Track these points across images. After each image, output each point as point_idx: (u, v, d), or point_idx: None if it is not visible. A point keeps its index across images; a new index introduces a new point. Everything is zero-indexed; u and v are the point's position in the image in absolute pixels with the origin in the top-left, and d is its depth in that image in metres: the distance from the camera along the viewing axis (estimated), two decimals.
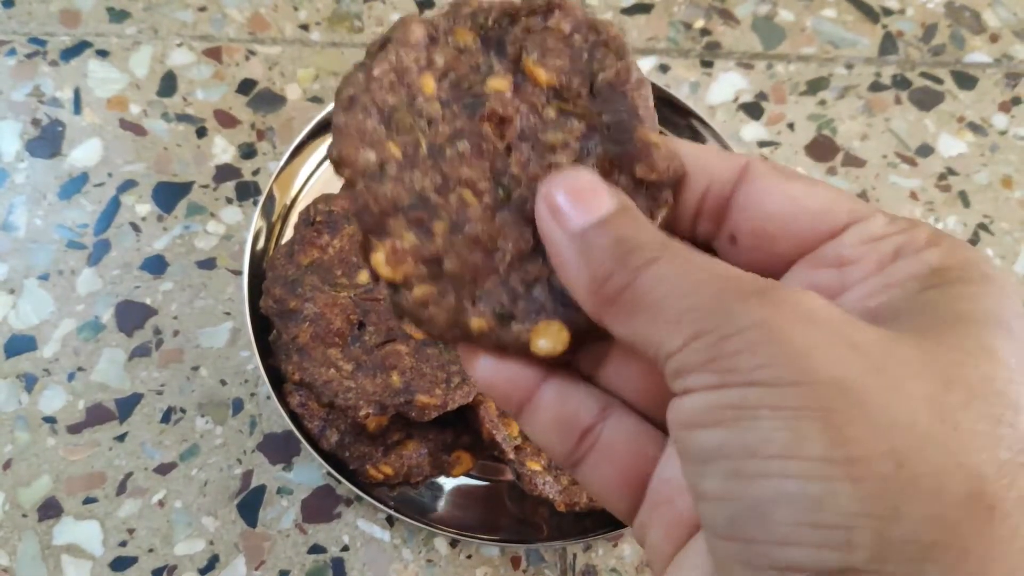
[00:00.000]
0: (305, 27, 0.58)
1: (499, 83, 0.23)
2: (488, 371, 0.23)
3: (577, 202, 0.21)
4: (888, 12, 0.60)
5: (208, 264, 0.50)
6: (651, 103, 0.24)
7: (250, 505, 0.45)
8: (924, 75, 0.58)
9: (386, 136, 0.22)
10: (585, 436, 0.23)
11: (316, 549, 0.44)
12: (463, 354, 0.23)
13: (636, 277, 0.19)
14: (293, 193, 0.50)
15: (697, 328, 0.18)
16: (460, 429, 0.45)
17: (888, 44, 0.59)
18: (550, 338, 0.22)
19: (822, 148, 0.56)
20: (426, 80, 0.23)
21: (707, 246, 0.23)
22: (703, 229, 0.23)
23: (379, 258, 0.22)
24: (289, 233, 0.48)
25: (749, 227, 0.22)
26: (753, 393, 0.17)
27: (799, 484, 0.16)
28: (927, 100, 0.58)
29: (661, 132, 0.23)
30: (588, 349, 0.23)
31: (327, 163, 0.51)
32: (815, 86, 0.58)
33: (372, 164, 0.22)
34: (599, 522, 0.43)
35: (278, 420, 0.47)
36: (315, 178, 0.51)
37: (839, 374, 0.16)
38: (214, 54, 0.56)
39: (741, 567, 0.17)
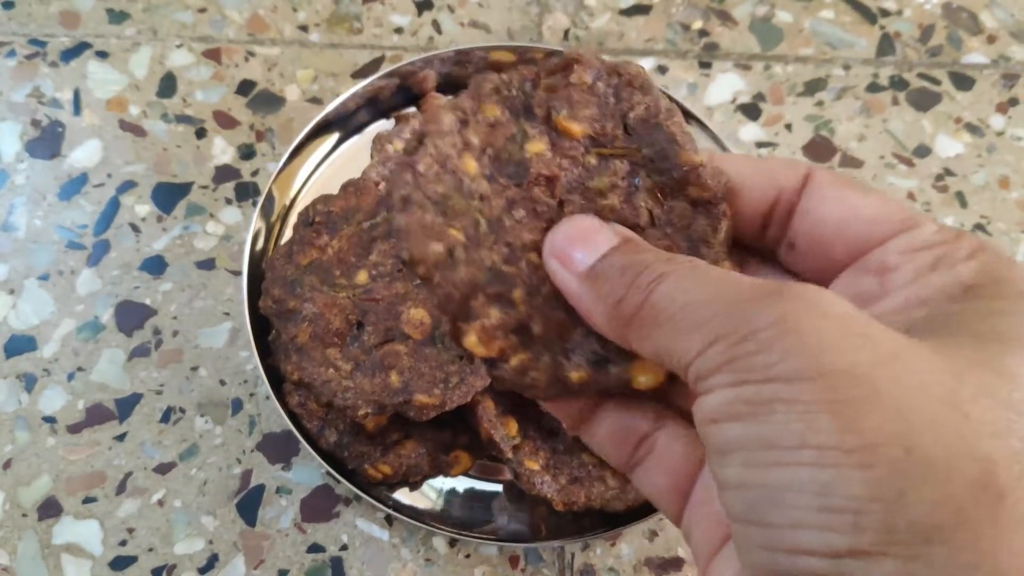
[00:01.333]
0: (304, 28, 0.58)
1: (537, 146, 0.24)
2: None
3: (580, 245, 0.22)
4: (886, 13, 0.61)
5: (207, 264, 0.50)
6: (685, 127, 0.24)
7: (249, 504, 0.45)
8: (921, 76, 0.59)
9: (446, 224, 0.23)
10: (641, 444, 0.24)
11: (315, 548, 0.44)
12: None
13: (649, 294, 0.20)
14: (292, 194, 0.50)
15: (715, 334, 0.18)
16: (458, 429, 0.45)
17: (886, 45, 0.60)
18: (648, 372, 0.23)
19: (820, 149, 0.56)
20: (468, 162, 0.23)
21: (771, 255, 0.25)
22: (771, 235, 0.24)
23: (472, 340, 0.22)
24: (288, 234, 0.48)
25: (807, 233, 0.23)
26: (769, 388, 0.17)
27: (810, 471, 0.17)
28: (924, 101, 0.58)
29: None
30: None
31: (326, 164, 0.51)
32: (813, 87, 0.58)
33: (442, 254, 0.22)
34: (597, 521, 0.43)
35: (277, 420, 0.47)
36: (314, 179, 0.51)
37: (849, 364, 0.17)
38: (213, 55, 0.57)
39: (759, 550, 0.18)
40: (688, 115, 0.51)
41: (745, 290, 0.19)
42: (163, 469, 0.46)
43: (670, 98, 0.51)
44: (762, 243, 0.24)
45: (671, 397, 0.25)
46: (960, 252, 0.20)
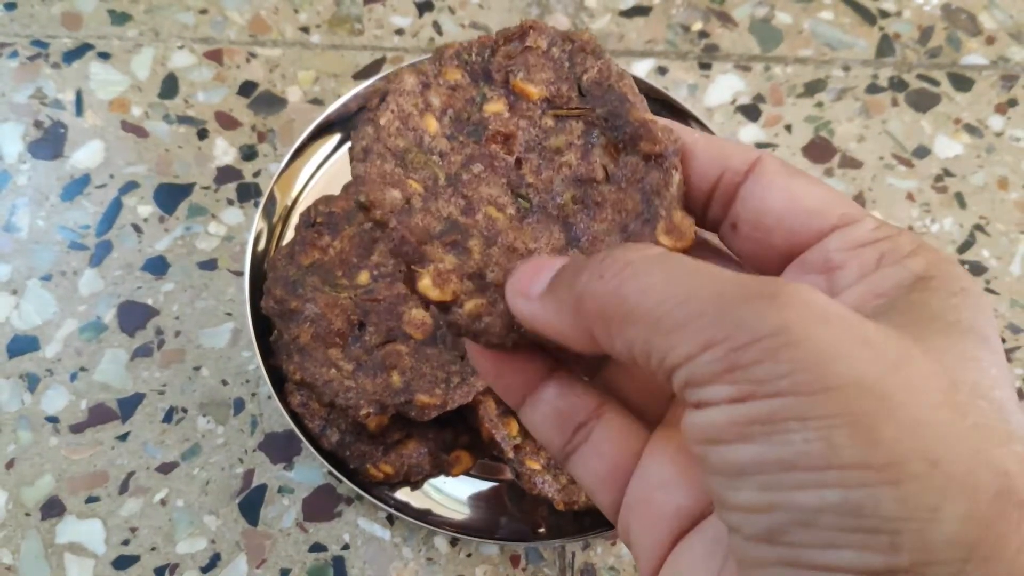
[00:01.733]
0: (305, 30, 0.58)
1: (495, 106, 0.25)
2: (497, 364, 0.24)
3: (535, 275, 0.22)
4: (885, 14, 0.61)
5: (209, 265, 0.51)
6: (636, 89, 0.25)
7: (251, 504, 0.45)
8: (921, 77, 0.59)
9: (405, 175, 0.24)
10: (579, 430, 0.24)
11: (317, 548, 0.45)
12: (471, 349, 0.24)
13: (618, 286, 0.19)
14: (294, 194, 0.51)
15: (707, 336, 0.18)
16: (460, 428, 0.45)
17: (885, 46, 0.60)
18: None
19: (819, 150, 0.56)
20: (428, 121, 0.25)
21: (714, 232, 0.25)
22: (712, 214, 0.24)
23: (426, 283, 0.23)
24: (290, 234, 0.48)
25: (749, 217, 0.23)
26: (780, 405, 0.17)
27: (840, 493, 0.16)
28: (924, 102, 0.58)
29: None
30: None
31: (328, 165, 0.52)
32: (812, 88, 0.58)
33: (399, 201, 0.23)
34: (598, 521, 0.43)
35: (279, 420, 0.47)
36: (316, 180, 0.51)
37: (860, 375, 0.17)
38: (215, 56, 0.57)
39: (779, 568, 0.17)
40: (688, 116, 0.52)
41: (732, 287, 0.18)
42: (165, 469, 0.46)
43: (669, 100, 0.51)
44: (704, 221, 0.24)
45: (610, 379, 0.25)
46: (903, 248, 0.21)
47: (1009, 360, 0.51)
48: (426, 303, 0.23)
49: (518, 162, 0.25)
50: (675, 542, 0.22)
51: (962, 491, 0.16)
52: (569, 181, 0.25)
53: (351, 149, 0.24)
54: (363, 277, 0.45)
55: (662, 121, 0.24)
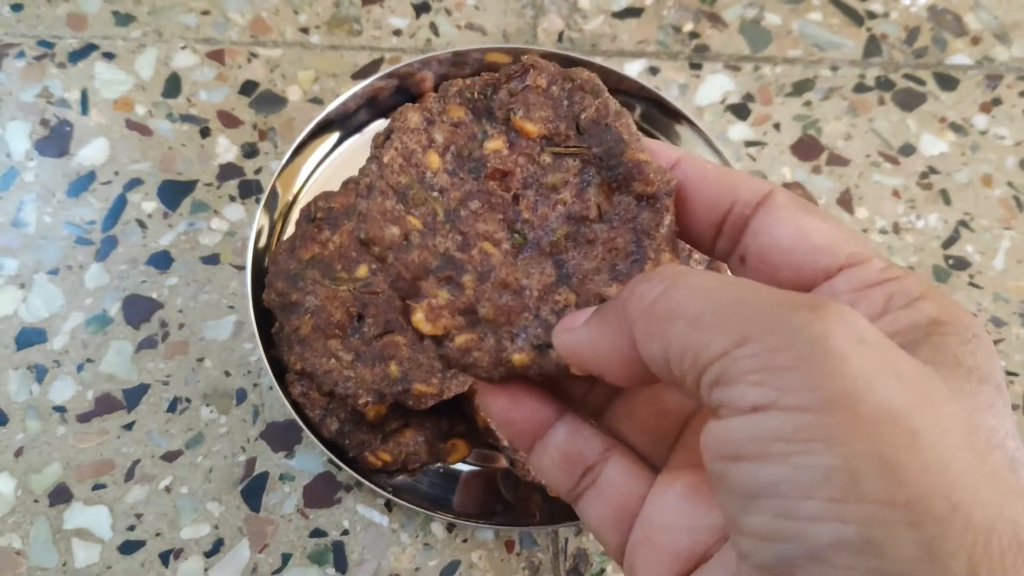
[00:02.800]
0: (305, 30, 0.59)
1: (495, 144, 0.26)
2: (507, 409, 0.25)
3: (580, 315, 0.23)
4: (872, 15, 0.62)
5: (212, 260, 0.52)
6: (633, 128, 0.26)
7: (253, 491, 0.47)
8: (907, 77, 0.60)
9: (405, 212, 0.25)
10: (587, 473, 0.25)
11: (317, 533, 0.46)
12: (482, 394, 0.25)
13: (666, 289, 0.19)
14: (294, 191, 0.52)
15: (744, 333, 0.17)
16: (456, 417, 0.46)
17: (872, 47, 0.61)
18: None
19: (807, 148, 0.58)
20: (431, 157, 0.26)
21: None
22: (721, 245, 0.24)
23: (419, 318, 0.24)
24: (291, 229, 0.49)
25: (757, 251, 0.23)
26: (806, 422, 0.16)
27: (859, 530, 0.16)
28: (910, 101, 0.59)
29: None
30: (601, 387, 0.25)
31: (327, 162, 0.53)
32: (800, 88, 0.59)
33: (397, 237, 0.24)
34: None
35: (280, 409, 0.48)
36: (316, 176, 0.52)
37: (892, 407, 0.16)
38: (217, 56, 0.58)
39: None
40: (679, 115, 0.53)
41: (777, 297, 0.18)
42: (170, 457, 0.47)
43: (660, 99, 0.53)
44: (713, 251, 0.25)
45: (616, 423, 0.26)
46: (912, 290, 0.21)
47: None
48: (419, 336, 0.24)
49: (515, 198, 0.26)
50: None
51: (980, 539, 0.16)
52: (563, 218, 0.25)
53: (356, 184, 0.25)
54: (362, 270, 0.47)
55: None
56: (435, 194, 0.25)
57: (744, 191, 0.23)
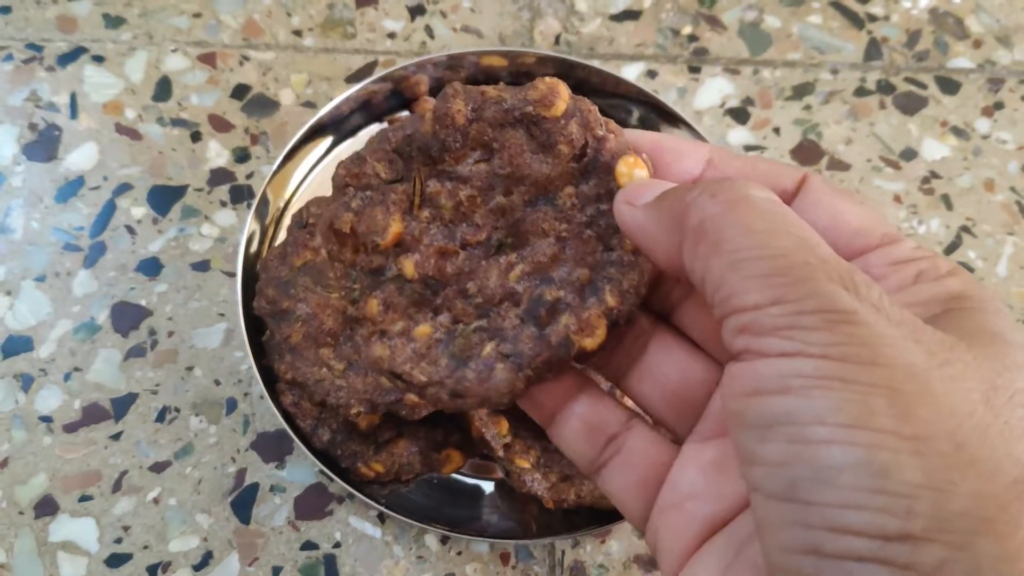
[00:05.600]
0: (298, 33, 0.59)
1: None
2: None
3: (646, 189, 0.23)
4: (873, 18, 0.61)
5: (202, 266, 0.51)
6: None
7: (243, 502, 0.46)
8: (908, 80, 0.59)
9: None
10: (609, 443, 0.25)
11: (308, 546, 0.45)
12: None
13: (724, 210, 0.20)
14: (286, 196, 0.51)
15: (779, 294, 0.18)
16: (450, 427, 0.45)
17: (873, 50, 0.60)
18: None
19: (807, 152, 0.57)
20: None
21: None
22: None
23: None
24: (282, 236, 0.49)
25: None
26: (827, 365, 0.17)
27: (867, 452, 0.17)
28: (911, 105, 0.59)
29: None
30: (612, 358, 0.26)
31: (319, 167, 0.52)
32: (801, 91, 0.59)
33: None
34: (587, 519, 0.44)
35: (271, 419, 0.47)
36: (308, 182, 0.52)
37: (908, 363, 0.18)
38: (208, 59, 0.57)
39: (795, 528, 0.18)
40: (678, 119, 0.52)
41: (819, 262, 0.19)
42: (158, 468, 0.46)
43: (659, 103, 0.52)
44: None
45: (637, 391, 0.26)
46: (941, 268, 0.22)
47: None
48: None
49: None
50: (699, 546, 0.23)
51: (981, 473, 0.17)
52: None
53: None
54: None
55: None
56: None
57: (783, 178, 0.24)
